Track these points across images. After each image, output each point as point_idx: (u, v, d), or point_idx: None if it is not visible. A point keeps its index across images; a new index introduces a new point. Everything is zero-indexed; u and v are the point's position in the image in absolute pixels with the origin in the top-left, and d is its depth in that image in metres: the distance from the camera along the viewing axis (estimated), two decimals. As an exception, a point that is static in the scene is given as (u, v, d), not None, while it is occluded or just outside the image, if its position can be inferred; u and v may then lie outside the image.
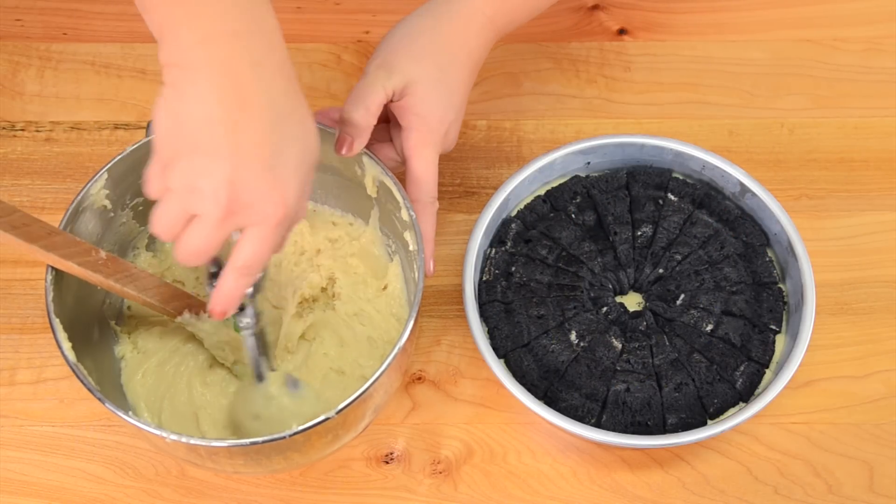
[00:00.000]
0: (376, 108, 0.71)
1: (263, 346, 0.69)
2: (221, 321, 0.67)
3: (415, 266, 0.70)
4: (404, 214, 0.71)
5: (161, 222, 0.58)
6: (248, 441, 0.62)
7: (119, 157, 0.71)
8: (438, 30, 0.74)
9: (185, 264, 0.59)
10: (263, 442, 0.62)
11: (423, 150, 0.72)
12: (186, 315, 0.72)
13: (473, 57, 0.75)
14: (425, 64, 0.72)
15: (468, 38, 0.74)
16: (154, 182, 0.58)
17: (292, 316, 0.75)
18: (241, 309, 0.65)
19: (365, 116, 0.70)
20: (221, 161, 0.55)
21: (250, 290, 0.63)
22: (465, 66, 0.74)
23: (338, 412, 0.62)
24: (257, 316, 0.67)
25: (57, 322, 0.65)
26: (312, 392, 0.71)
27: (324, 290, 0.78)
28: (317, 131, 0.60)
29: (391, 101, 0.73)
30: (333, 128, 0.72)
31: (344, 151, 0.71)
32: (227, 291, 0.61)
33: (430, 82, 0.72)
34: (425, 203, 0.72)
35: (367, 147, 0.72)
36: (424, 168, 0.72)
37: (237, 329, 0.67)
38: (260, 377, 0.69)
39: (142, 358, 0.74)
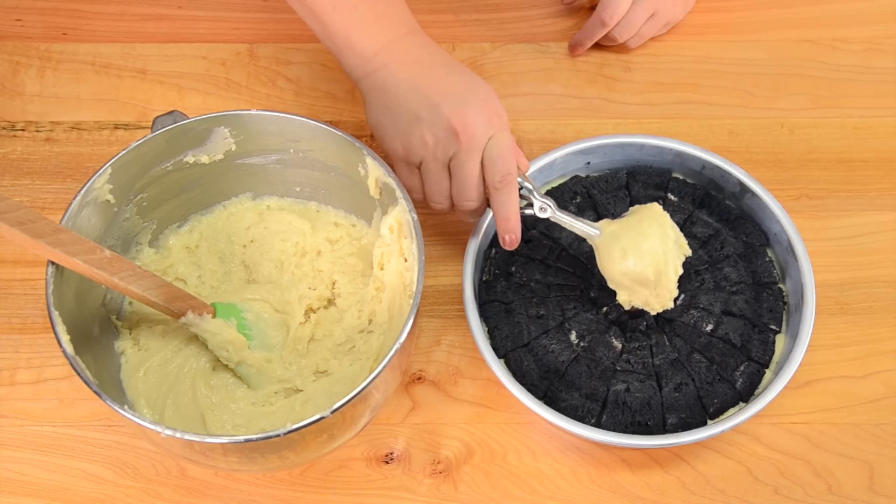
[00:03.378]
0: None
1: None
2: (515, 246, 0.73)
3: (415, 266, 0.70)
4: (406, 216, 0.71)
5: (433, 193, 0.74)
6: (242, 438, 0.62)
7: (123, 152, 0.71)
8: None
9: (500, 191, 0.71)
10: (258, 439, 0.62)
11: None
12: (190, 315, 0.72)
13: None
14: None
15: None
16: (405, 173, 0.75)
17: (300, 324, 0.76)
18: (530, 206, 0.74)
19: None
20: (438, 111, 0.71)
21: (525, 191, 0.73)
22: None
23: (332, 412, 0.62)
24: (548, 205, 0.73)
25: (56, 315, 0.65)
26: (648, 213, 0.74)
27: (330, 301, 0.78)
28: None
29: None
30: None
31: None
32: (504, 209, 0.72)
33: None
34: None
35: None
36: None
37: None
38: (596, 234, 0.73)
39: (143, 355, 0.74)
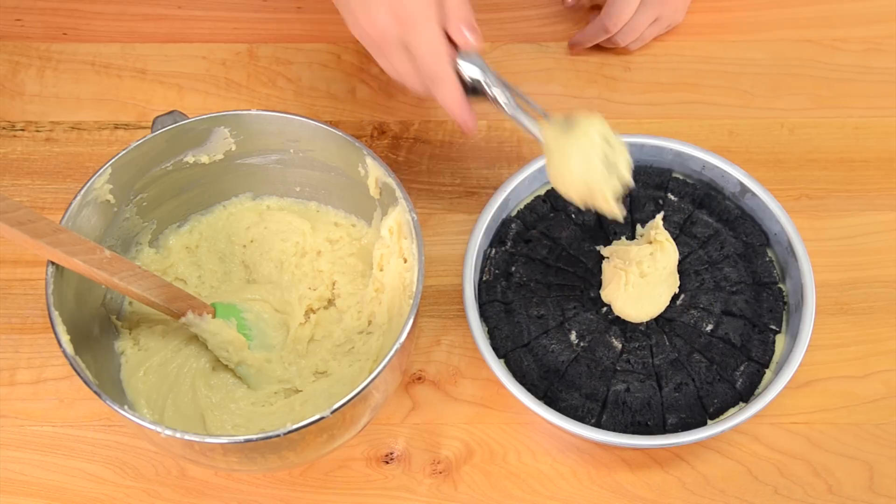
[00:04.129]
0: None
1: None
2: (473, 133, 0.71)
3: (415, 266, 0.70)
4: (406, 216, 0.71)
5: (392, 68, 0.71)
6: (242, 438, 0.62)
7: (123, 152, 0.71)
8: None
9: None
10: (258, 439, 0.62)
11: None
12: (190, 315, 0.72)
13: None
14: None
15: None
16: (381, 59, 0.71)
17: (300, 324, 0.76)
18: (475, 91, 0.70)
19: None
20: (348, 7, 0.70)
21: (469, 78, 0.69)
22: None
23: (332, 412, 0.62)
24: (497, 81, 0.69)
25: (56, 315, 0.65)
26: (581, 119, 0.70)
27: (330, 301, 0.78)
28: None
29: None
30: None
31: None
32: (445, 104, 0.69)
33: None
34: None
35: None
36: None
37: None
38: (538, 132, 0.70)
39: (143, 355, 0.74)
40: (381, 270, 0.76)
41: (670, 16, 0.92)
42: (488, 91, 0.70)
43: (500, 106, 0.70)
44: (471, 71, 0.70)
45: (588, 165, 0.68)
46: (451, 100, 0.70)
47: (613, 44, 0.92)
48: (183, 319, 0.72)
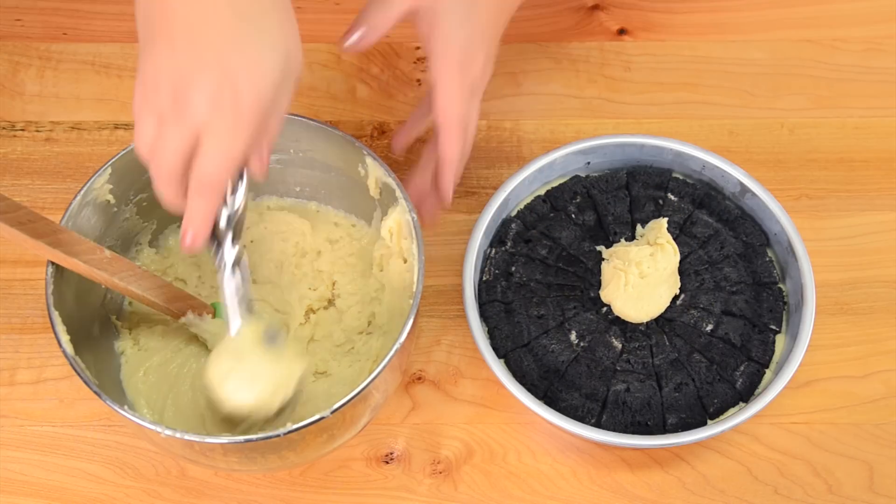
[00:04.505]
0: (396, 14, 0.70)
1: (243, 294, 0.64)
2: (193, 254, 0.61)
3: (415, 266, 0.70)
4: (406, 216, 0.71)
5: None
6: (242, 438, 0.62)
7: (123, 152, 0.71)
8: None
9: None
10: (258, 439, 0.62)
11: (447, 71, 0.70)
12: (190, 315, 0.72)
13: (502, 2, 0.73)
14: None
15: None
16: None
17: (300, 324, 0.76)
18: (219, 245, 0.62)
19: (384, 17, 0.69)
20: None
21: (225, 219, 0.61)
22: (492, 6, 0.72)
23: (332, 412, 0.62)
24: (238, 258, 0.63)
25: (56, 315, 0.65)
26: (291, 351, 0.66)
27: (330, 301, 0.78)
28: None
29: (415, 21, 0.71)
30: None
31: (347, 42, 0.69)
32: (193, 214, 0.58)
33: (455, 4, 0.70)
34: (452, 126, 0.69)
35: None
36: (448, 90, 0.70)
37: (214, 259, 0.61)
38: (235, 328, 0.64)
39: (143, 355, 0.74)
40: (382, 270, 0.76)
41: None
42: (225, 245, 0.62)
43: (221, 268, 0.63)
44: (230, 208, 0.62)
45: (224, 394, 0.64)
46: (201, 219, 0.59)
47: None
48: (183, 319, 0.72)
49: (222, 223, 0.62)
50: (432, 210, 0.76)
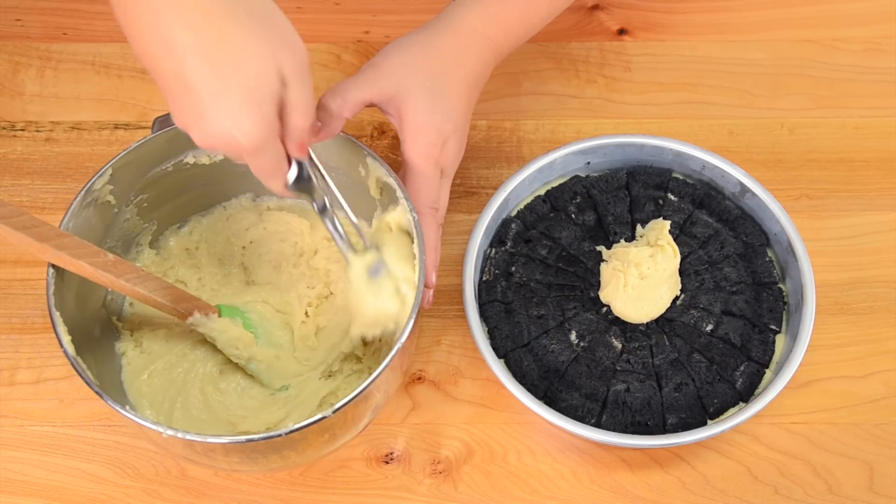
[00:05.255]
0: (355, 102, 0.71)
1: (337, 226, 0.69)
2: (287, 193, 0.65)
3: (415, 266, 0.70)
4: (406, 216, 0.71)
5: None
6: (244, 438, 0.62)
7: (124, 152, 0.71)
8: (432, 43, 0.73)
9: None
10: (259, 439, 0.62)
11: (418, 159, 0.72)
12: (197, 315, 0.72)
13: (471, 74, 0.74)
14: (417, 72, 0.72)
15: (462, 53, 0.74)
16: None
17: (302, 322, 0.76)
18: (301, 177, 0.65)
19: (340, 106, 0.70)
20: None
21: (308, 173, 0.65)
22: (460, 81, 0.73)
23: (334, 411, 0.62)
24: (322, 206, 0.67)
25: (57, 315, 0.65)
26: (392, 283, 0.69)
27: (329, 293, 0.78)
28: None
29: (383, 110, 0.72)
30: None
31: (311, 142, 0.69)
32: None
33: (422, 91, 0.71)
34: (423, 213, 0.72)
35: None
36: (419, 178, 0.72)
37: (301, 192, 0.65)
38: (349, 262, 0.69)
39: (147, 358, 0.74)
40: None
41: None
42: (315, 184, 0.66)
43: (324, 205, 0.67)
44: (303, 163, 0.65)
45: (376, 321, 0.69)
46: (272, 165, 0.62)
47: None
48: (190, 320, 0.72)
49: (307, 175, 0.65)
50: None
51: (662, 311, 0.74)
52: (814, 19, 0.96)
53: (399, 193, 0.71)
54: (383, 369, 0.64)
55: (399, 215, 0.72)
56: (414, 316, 0.66)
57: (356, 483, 0.74)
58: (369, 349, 0.75)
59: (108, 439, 0.75)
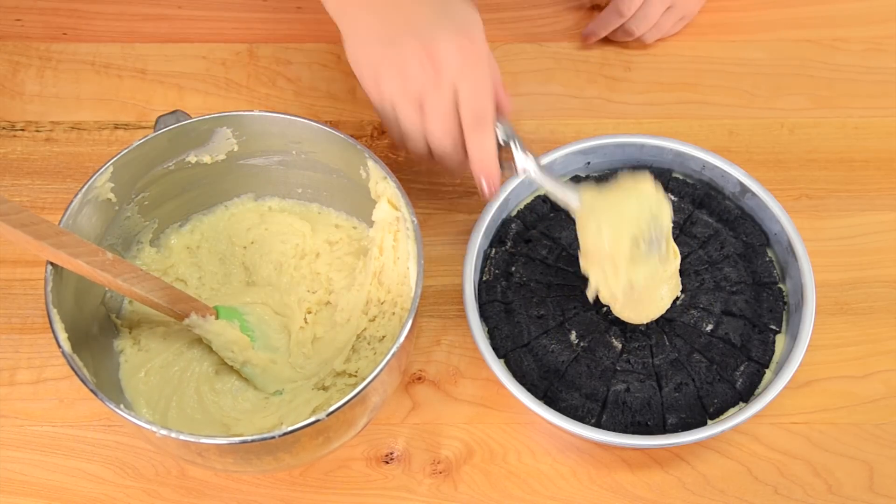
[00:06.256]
0: None
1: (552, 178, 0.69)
2: (495, 190, 0.68)
3: (415, 266, 0.70)
4: (407, 217, 0.71)
5: (407, 132, 0.69)
6: (237, 439, 0.62)
7: (125, 150, 0.71)
8: None
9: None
10: (253, 441, 0.62)
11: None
12: (194, 317, 0.71)
13: None
14: None
15: None
16: (383, 114, 0.69)
17: (300, 327, 0.76)
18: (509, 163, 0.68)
19: None
20: (403, 42, 0.66)
21: (503, 136, 0.68)
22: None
23: (328, 414, 0.62)
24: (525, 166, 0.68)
25: (54, 312, 0.65)
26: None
27: (328, 303, 0.78)
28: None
29: None
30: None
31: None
32: (478, 151, 0.66)
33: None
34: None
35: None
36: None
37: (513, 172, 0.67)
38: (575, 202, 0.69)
39: (144, 356, 0.74)
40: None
41: (684, 4, 0.91)
42: (517, 153, 0.68)
43: (528, 172, 0.69)
44: (502, 132, 0.69)
45: (636, 230, 0.67)
46: (488, 151, 0.66)
47: (628, 33, 0.91)
48: (187, 321, 0.72)
49: (503, 140, 0.68)
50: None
51: (663, 312, 0.74)
52: (814, 19, 0.96)
53: (400, 198, 0.71)
54: (381, 370, 0.64)
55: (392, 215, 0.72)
56: (413, 316, 0.66)
57: (356, 483, 0.74)
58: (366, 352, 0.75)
59: (108, 439, 0.75)
